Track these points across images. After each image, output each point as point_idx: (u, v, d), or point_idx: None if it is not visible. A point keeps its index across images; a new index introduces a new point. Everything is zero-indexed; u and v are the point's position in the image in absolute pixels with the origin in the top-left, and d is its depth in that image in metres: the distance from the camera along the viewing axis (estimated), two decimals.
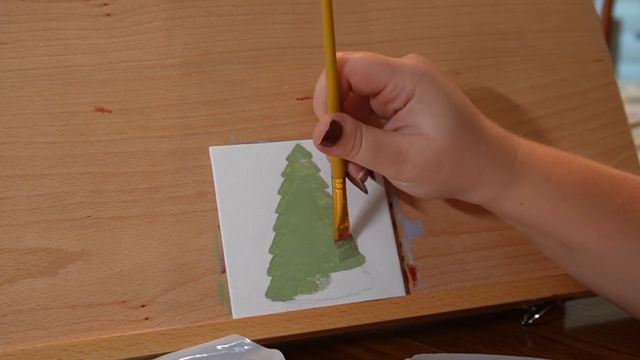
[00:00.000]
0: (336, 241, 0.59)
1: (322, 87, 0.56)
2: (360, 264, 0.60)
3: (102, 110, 0.58)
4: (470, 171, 0.56)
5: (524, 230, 0.59)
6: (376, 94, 0.56)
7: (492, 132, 0.57)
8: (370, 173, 0.59)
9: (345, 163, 0.58)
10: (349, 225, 0.60)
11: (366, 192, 0.59)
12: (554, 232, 0.57)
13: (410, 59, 0.56)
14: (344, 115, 0.55)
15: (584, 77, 0.73)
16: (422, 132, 0.55)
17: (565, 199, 0.56)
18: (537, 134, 0.69)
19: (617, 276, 0.57)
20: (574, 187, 0.56)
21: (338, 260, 0.59)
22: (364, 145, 0.55)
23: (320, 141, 0.55)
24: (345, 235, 0.59)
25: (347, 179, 0.58)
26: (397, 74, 0.55)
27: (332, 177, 0.58)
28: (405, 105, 0.55)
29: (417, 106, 0.55)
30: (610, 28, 2.90)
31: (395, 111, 0.57)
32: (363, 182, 0.58)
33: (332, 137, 0.55)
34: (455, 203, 0.64)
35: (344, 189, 0.58)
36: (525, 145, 0.58)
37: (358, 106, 0.58)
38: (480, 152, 0.56)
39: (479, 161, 0.56)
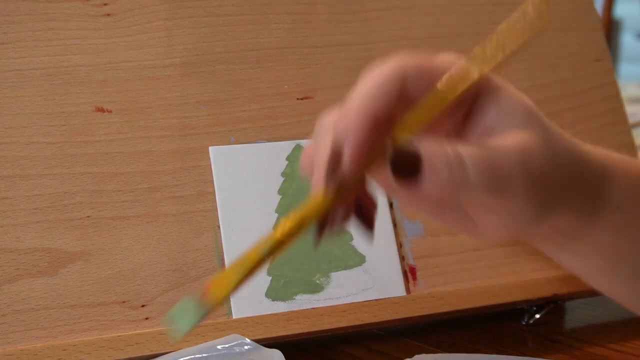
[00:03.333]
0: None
1: (372, 97, 0.38)
2: (360, 264, 0.60)
3: (102, 110, 0.58)
4: (562, 176, 0.41)
5: (612, 258, 0.44)
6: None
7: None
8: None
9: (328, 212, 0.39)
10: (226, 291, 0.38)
11: (317, 245, 0.40)
12: None
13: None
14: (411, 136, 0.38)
15: (584, 77, 0.72)
16: (514, 126, 0.40)
17: None
18: None
19: None
20: None
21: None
22: (468, 162, 0.37)
23: (391, 168, 0.37)
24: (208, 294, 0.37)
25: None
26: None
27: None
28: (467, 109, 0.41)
29: (481, 100, 0.41)
30: (611, 28, 2.90)
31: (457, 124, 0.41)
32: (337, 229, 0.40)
33: (405, 162, 0.37)
34: None
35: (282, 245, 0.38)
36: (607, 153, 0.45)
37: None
38: (565, 157, 0.41)
39: (569, 165, 0.42)
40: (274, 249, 0.37)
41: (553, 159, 0.40)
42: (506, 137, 0.39)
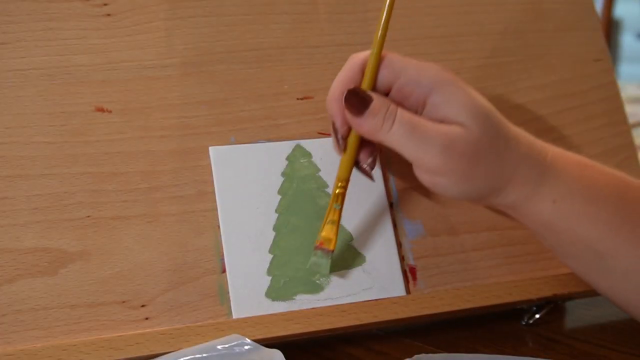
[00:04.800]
0: (316, 247, 0.57)
1: (342, 81, 0.56)
2: (360, 264, 0.60)
3: (102, 110, 0.58)
4: (505, 165, 0.54)
5: (552, 238, 0.57)
6: (390, 87, 0.55)
7: (518, 130, 0.56)
8: (375, 160, 0.57)
9: (352, 163, 0.56)
10: (334, 239, 0.57)
11: (373, 179, 0.58)
12: (585, 235, 0.55)
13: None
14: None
15: (584, 77, 0.73)
16: (456, 121, 0.53)
17: (597, 200, 0.55)
18: (537, 134, 0.68)
19: None
20: (606, 189, 0.55)
21: (307, 266, 0.57)
22: (398, 119, 0.53)
23: (345, 96, 0.54)
24: (325, 248, 0.57)
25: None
26: (412, 66, 0.55)
27: (336, 179, 0.57)
28: (424, 104, 0.54)
29: (441, 99, 0.53)
30: (611, 28, 2.90)
31: (416, 113, 0.55)
32: (372, 169, 0.57)
33: (359, 101, 0.53)
34: (456, 203, 0.64)
35: (343, 193, 0.57)
36: (554, 148, 0.57)
37: None
38: (512, 146, 0.55)
39: (513, 155, 0.54)
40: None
41: (486, 143, 0.53)
42: (449, 127, 0.53)
